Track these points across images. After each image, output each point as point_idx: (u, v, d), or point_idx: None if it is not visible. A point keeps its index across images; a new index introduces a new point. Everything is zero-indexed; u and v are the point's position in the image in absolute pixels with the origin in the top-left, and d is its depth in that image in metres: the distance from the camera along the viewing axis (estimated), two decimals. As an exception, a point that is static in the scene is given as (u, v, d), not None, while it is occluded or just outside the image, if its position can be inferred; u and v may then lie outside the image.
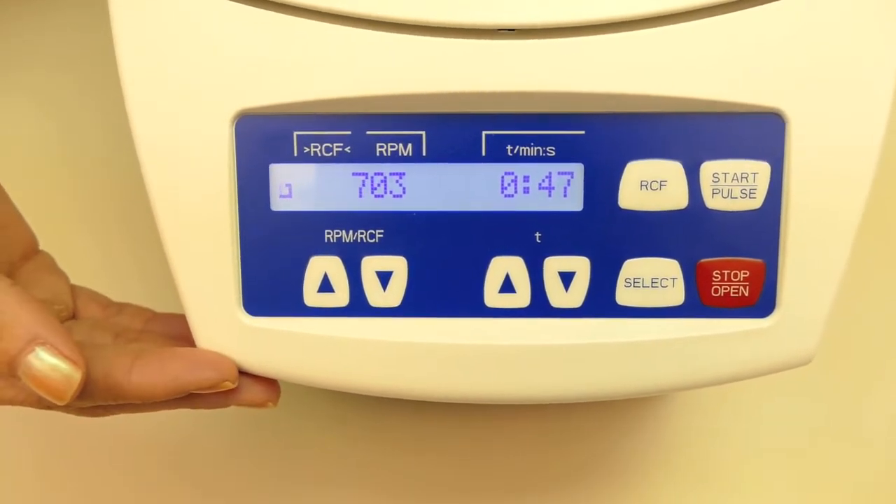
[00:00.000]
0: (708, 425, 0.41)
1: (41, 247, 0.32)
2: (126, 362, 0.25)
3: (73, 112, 0.39)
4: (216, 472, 0.43)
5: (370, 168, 0.27)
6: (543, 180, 0.27)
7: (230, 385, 0.27)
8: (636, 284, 0.27)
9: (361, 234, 0.27)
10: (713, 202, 0.27)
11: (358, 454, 0.42)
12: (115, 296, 0.32)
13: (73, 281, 0.32)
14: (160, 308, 0.33)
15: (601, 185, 0.27)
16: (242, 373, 0.28)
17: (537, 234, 0.27)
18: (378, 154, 0.27)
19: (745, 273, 0.27)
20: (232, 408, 0.28)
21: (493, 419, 0.41)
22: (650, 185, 0.27)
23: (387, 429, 0.41)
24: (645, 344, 0.27)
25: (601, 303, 0.27)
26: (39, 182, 0.39)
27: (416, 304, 0.28)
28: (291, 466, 0.42)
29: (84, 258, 0.40)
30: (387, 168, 0.27)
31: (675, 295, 0.27)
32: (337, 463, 0.42)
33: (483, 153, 0.27)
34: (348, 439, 0.42)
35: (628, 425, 0.41)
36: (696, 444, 0.41)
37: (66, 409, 0.25)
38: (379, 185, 0.27)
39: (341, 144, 0.27)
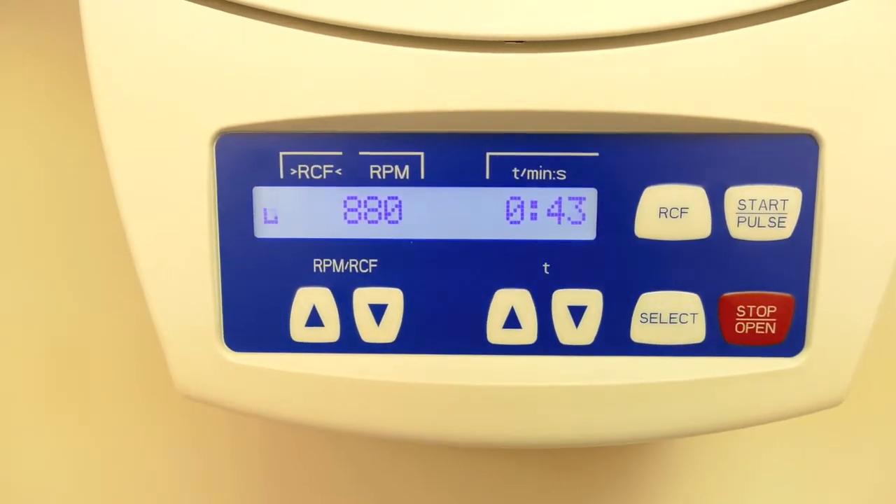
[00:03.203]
0: (713, 451, 0.40)
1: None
2: None
3: (49, 126, 0.37)
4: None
5: (363, 192, 0.25)
6: (553, 206, 0.25)
7: None
8: (653, 320, 0.25)
9: (353, 263, 0.25)
10: (738, 231, 0.25)
11: (361, 489, 0.40)
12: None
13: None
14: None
15: (616, 211, 0.25)
16: None
17: (545, 265, 0.25)
18: (372, 177, 0.25)
19: (772, 308, 0.25)
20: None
21: (495, 453, 0.39)
22: (670, 213, 0.25)
23: (390, 466, 0.40)
24: (662, 385, 0.25)
25: (615, 340, 0.26)
26: (16, 199, 0.38)
27: (412, 339, 0.26)
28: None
29: (66, 277, 0.38)
30: (381, 192, 0.25)
31: (696, 332, 0.25)
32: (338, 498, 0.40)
33: (487, 176, 0.25)
34: (350, 473, 0.40)
35: (633, 452, 0.40)
36: (700, 469, 0.40)
37: None
38: (373, 210, 0.25)
39: (332, 166, 0.25)
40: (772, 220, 0.25)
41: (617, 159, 0.25)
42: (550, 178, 0.25)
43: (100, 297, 0.39)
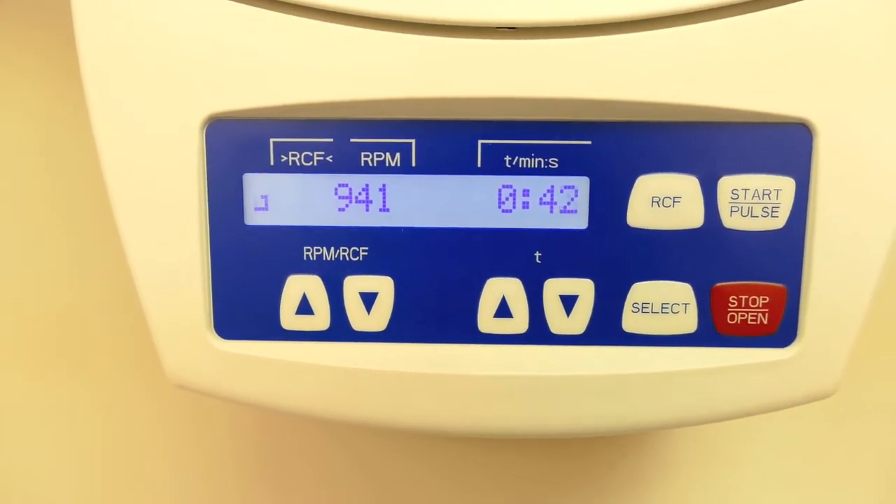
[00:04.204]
0: (705, 440, 0.40)
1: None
2: None
3: (45, 114, 0.37)
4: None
5: (354, 179, 0.25)
6: (545, 195, 0.25)
7: None
8: (645, 310, 0.25)
9: (344, 251, 0.25)
10: (731, 221, 0.25)
11: (355, 476, 0.40)
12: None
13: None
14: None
15: (608, 200, 0.25)
16: None
17: (537, 254, 0.25)
18: (363, 164, 0.25)
19: (764, 299, 0.25)
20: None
21: (487, 441, 0.39)
22: (662, 202, 0.24)
23: (384, 453, 0.40)
24: (653, 375, 0.25)
25: (606, 329, 0.25)
26: (14, 191, 0.38)
27: (403, 328, 0.25)
28: (287, 489, 0.41)
29: (66, 266, 0.38)
30: (372, 179, 0.25)
31: (688, 322, 0.25)
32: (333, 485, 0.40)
33: (479, 164, 0.25)
34: (344, 460, 0.40)
35: (624, 442, 0.40)
36: (693, 458, 0.40)
37: None
38: (363, 197, 0.25)
39: (322, 153, 0.25)
40: (765, 209, 0.24)
41: (610, 148, 0.24)
42: (543, 166, 0.25)
43: (98, 287, 0.39)
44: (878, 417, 0.40)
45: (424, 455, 0.40)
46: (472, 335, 0.25)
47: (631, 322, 0.25)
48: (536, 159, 0.25)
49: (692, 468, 0.40)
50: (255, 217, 0.25)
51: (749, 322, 0.25)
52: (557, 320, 0.25)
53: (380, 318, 0.25)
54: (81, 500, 0.41)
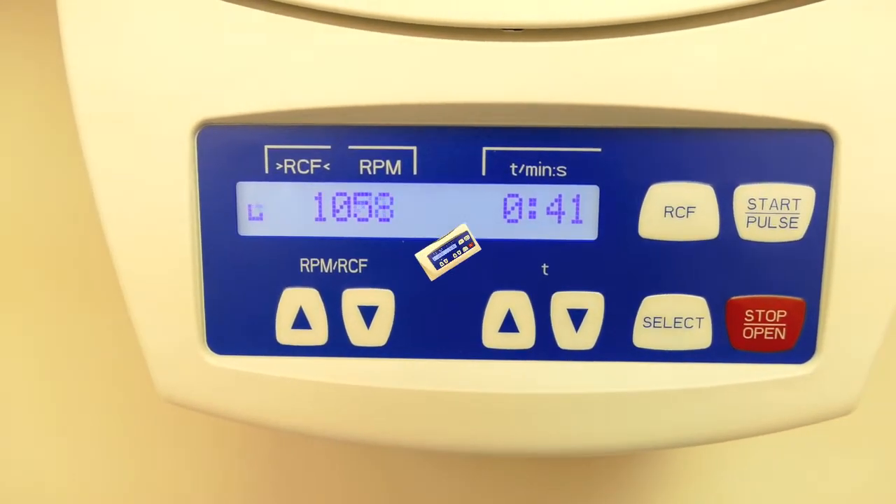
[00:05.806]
0: (712, 457, 0.39)
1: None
2: None
3: (41, 118, 0.36)
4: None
5: (353, 188, 0.24)
6: (552, 204, 0.24)
7: None
8: (657, 324, 0.24)
9: (342, 263, 0.24)
10: (748, 232, 0.24)
11: (356, 492, 0.40)
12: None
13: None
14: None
15: (619, 210, 0.24)
16: None
17: (544, 266, 0.24)
18: (362, 172, 0.24)
19: (781, 313, 0.24)
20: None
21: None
22: (676, 212, 0.24)
23: (385, 469, 0.39)
24: (666, 393, 0.24)
25: (616, 345, 0.25)
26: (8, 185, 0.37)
27: (404, 343, 0.25)
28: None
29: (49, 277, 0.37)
30: (372, 188, 0.24)
31: (702, 337, 0.24)
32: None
33: (483, 172, 0.24)
34: (346, 476, 0.40)
35: (631, 458, 0.39)
36: (699, 474, 0.40)
37: None
38: (363, 207, 0.24)
39: (319, 161, 0.24)
40: (783, 220, 0.24)
41: (620, 155, 0.23)
42: (550, 174, 0.24)
43: (102, 286, 0.38)
44: (891, 430, 0.39)
45: (427, 466, 0.39)
46: (477, 350, 0.25)
47: (642, 337, 0.24)
48: (544, 167, 0.24)
49: (695, 479, 0.40)
50: (249, 227, 0.24)
51: (766, 337, 0.24)
52: (565, 335, 0.25)
53: (380, 332, 0.25)
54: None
